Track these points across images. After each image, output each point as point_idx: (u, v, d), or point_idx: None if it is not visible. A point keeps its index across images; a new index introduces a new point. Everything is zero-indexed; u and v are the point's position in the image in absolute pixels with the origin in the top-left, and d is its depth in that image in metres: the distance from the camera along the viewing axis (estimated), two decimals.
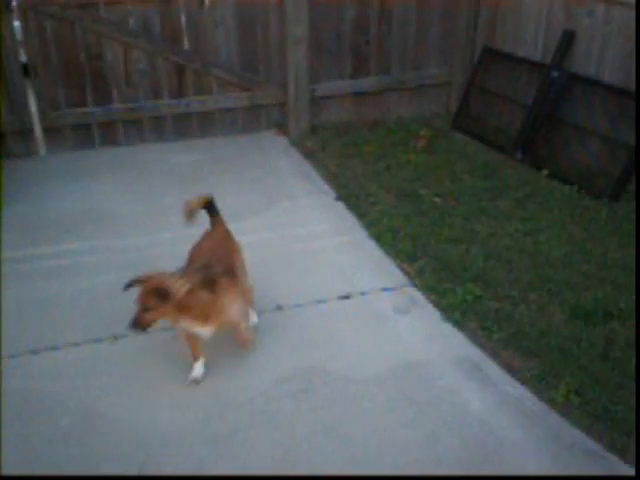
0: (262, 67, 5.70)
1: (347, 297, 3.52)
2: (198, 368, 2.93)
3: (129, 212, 4.49)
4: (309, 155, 5.38)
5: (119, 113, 5.47)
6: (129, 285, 2.63)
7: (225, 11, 5.42)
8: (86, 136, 5.49)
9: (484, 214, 4.35)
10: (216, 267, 2.84)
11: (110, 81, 5.38)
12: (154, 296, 2.57)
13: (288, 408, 2.77)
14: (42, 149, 5.43)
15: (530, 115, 5.16)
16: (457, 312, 3.36)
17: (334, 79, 5.87)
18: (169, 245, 4.02)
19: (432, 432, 2.64)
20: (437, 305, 3.44)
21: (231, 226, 4.28)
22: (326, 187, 4.81)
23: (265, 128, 5.88)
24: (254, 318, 3.26)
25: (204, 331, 2.79)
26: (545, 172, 4.88)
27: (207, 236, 3.20)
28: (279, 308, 3.43)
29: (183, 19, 5.37)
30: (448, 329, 3.27)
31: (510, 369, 2.98)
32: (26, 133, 5.30)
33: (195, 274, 2.75)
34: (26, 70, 5.15)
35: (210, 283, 2.74)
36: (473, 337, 3.19)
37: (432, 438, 2.61)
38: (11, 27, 4.96)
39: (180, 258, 3.88)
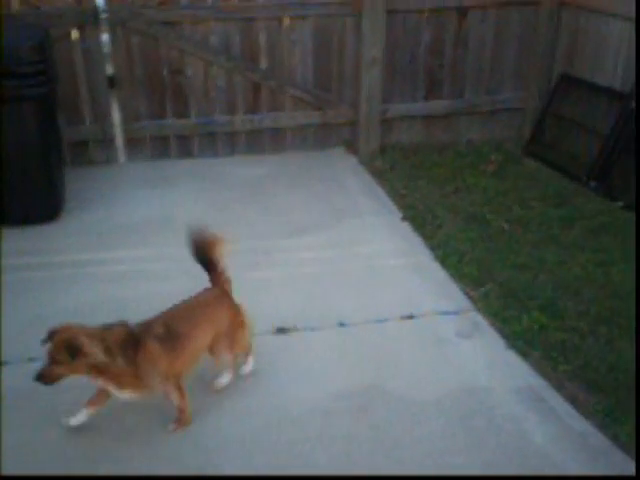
0: (335, 86, 5.79)
1: (409, 318, 3.51)
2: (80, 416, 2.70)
3: (199, 222, 4.58)
4: (377, 175, 5.41)
5: (195, 127, 5.66)
6: (46, 338, 2.47)
7: (303, 31, 5.55)
8: (163, 147, 5.70)
9: (554, 242, 4.26)
10: (157, 328, 2.63)
11: (189, 95, 5.58)
12: (64, 351, 2.41)
13: (345, 424, 2.78)
14: (122, 157, 5.67)
15: (607, 144, 5.04)
16: (521, 340, 3.31)
17: (406, 101, 5.90)
18: (236, 256, 4.11)
19: (489, 460, 2.60)
20: (501, 332, 3.39)
21: (296, 241, 4.36)
22: (393, 207, 4.83)
23: (335, 146, 5.96)
24: (249, 366, 3.08)
25: (122, 395, 2.60)
26: (620, 203, 4.74)
27: (203, 294, 2.93)
28: (341, 325, 3.46)
29: (262, 38, 5.53)
30: (511, 357, 3.22)
31: (574, 402, 2.90)
32: (108, 142, 5.55)
33: (118, 331, 2.56)
34: (111, 82, 5.40)
35: (133, 345, 2.54)
36: (537, 367, 3.13)
37: (489, 466, 2.57)
38: (99, 40, 5.23)
39: (247, 268, 3.99)
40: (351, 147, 5.91)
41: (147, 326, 2.64)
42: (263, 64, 5.61)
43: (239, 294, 3.68)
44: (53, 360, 2.42)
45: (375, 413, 2.84)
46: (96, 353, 2.42)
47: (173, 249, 4.22)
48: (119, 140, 5.61)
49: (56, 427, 2.71)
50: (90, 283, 3.82)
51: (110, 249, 4.22)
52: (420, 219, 4.61)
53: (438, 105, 5.96)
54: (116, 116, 5.55)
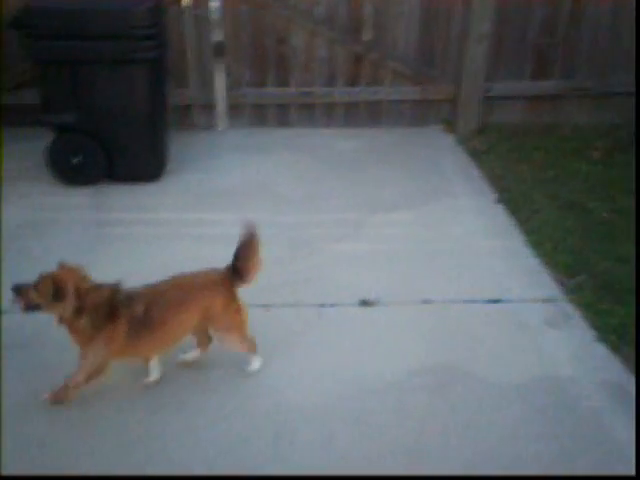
0: (438, 62, 5.68)
1: (496, 301, 3.45)
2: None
3: (292, 190, 4.71)
4: (474, 155, 5.29)
5: (295, 96, 5.73)
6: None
7: (411, 3, 5.46)
8: (262, 115, 5.81)
9: None
10: (137, 306, 2.57)
11: (291, 65, 5.64)
12: (49, 287, 2.47)
13: (422, 400, 2.79)
14: (222, 123, 5.83)
15: None
16: (614, 334, 3.18)
17: (511, 79, 5.70)
18: (325, 227, 4.18)
19: (566, 451, 2.54)
20: (592, 324, 3.27)
21: (385, 217, 4.36)
22: (488, 189, 4.72)
23: (432, 123, 5.86)
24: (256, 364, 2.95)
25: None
26: None
27: (200, 275, 2.80)
28: (425, 302, 3.45)
29: (367, 10, 5.48)
30: (601, 350, 3.10)
31: None
32: (210, 108, 5.72)
33: (103, 294, 2.55)
34: (218, 49, 5.54)
35: (106, 312, 2.54)
36: (627, 363, 3.00)
37: (565, 457, 2.51)
38: (209, 7, 5.36)
39: (334, 240, 4.03)
40: (449, 125, 5.80)
41: (130, 300, 2.59)
42: (366, 36, 5.58)
43: (325, 265, 3.77)
44: (35, 286, 2.49)
45: (453, 392, 2.83)
46: (67, 309, 2.49)
47: (264, 215, 4.32)
48: (221, 106, 5.76)
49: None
50: (184, 242, 3.99)
51: (205, 211, 4.37)
52: (515, 203, 4.48)
53: (545, 85, 5.73)
54: (220, 83, 5.70)
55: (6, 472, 2.39)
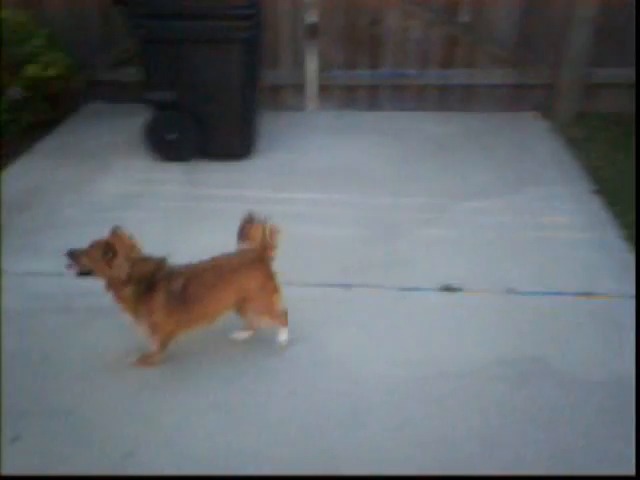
0: (537, 45, 5.46)
1: (586, 295, 3.32)
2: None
3: (379, 173, 4.70)
4: (571, 143, 5.07)
5: (386, 79, 5.68)
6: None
7: None
8: (352, 97, 5.80)
9: None
10: (176, 282, 2.65)
11: (384, 47, 5.59)
12: (101, 248, 2.56)
13: (502, 390, 2.74)
14: (312, 104, 5.87)
15: None
16: None
17: (615, 65, 5.41)
18: (412, 210, 4.15)
19: None
20: None
21: (474, 204, 4.29)
22: (584, 178, 4.52)
23: (528, 109, 5.66)
24: (284, 335, 2.99)
25: (135, 326, 2.73)
26: None
27: (238, 256, 2.84)
28: (510, 292, 3.36)
29: None
30: None
31: None
32: (300, 89, 5.77)
33: (149, 266, 2.65)
34: (311, 30, 5.57)
35: (148, 285, 2.63)
36: None
37: None
38: None
39: (420, 224, 3.99)
40: (546, 112, 5.58)
41: (170, 276, 2.67)
42: (463, 18, 5.44)
43: (409, 249, 3.74)
44: (87, 251, 2.59)
45: (534, 386, 2.76)
46: (120, 270, 2.57)
47: (349, 196, 4.35)
48: (312, 87, 5.80)
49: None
50: (271, 219, 4.05)
51: (293, 190, 4.43)
52: (613, 194, 4.27)
53: None
54: (312, 64, 5.73)
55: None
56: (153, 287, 2.63)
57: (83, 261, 2.60)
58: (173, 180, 4.57)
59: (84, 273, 2.63)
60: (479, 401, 2.68)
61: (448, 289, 3.38)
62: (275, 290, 2.83)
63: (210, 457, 2.43)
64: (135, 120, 5.13)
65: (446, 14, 5.41)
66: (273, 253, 2.82)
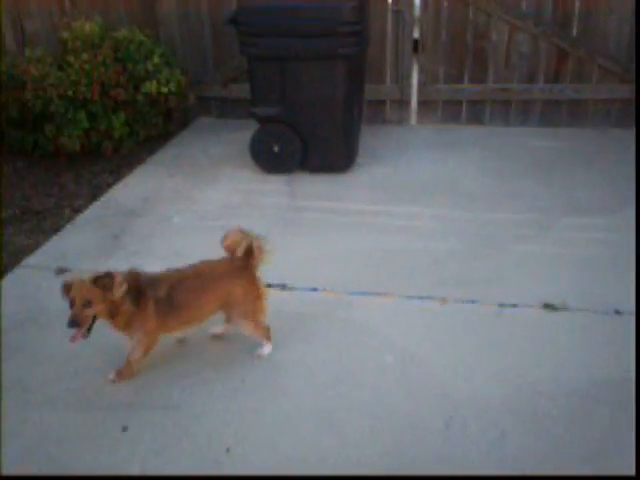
0: None
1: None
2: None
3: (479, 187, 4.64)
4: None
5: (490, 93, 5.61)
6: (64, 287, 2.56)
7: None
8: (454, 112, 5.78)
9: None
10: (160, 289, 2.68)
11: (489, 61, 5.54)
12: (96, 287, 2.52)
13: (604, 413, 2.62)
14: (413, 119, 5.89)
15: None
16: None
17: None
18: (511, 226, 4.07)
19: None
20: None
21: (576, 220, 4.16)
22: None
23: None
24: (268, 349, 3.02)
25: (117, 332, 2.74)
26: None
27: (221, 263, 2.87)
28: (617, 312, 3.22)
29: (576, 3, 5.20)
30: None
31: None
32: (403, 103, 5.81)
33: (133, 277, 2.65)
34: (415, 45, 5.61)
35: (137, 294, 2.63)
36: None
37: None
38: (411, 4, 5.43)
39: (518, 240, 3.91)
40: None
41: (154, 283, 2.71)
42: (574, 31, 5.30)
43: (508, 264, 3.67)
44: (84, 301, 2.52)
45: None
46: (120, 289, 2.57)
47: (448, 211, 4.32)
48: (414, 102, 5.83)
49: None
50: (366, 231, 4.11)
51: (390, 203, 4.46)
52: None
53: None
54: (415, 79, 5.76)
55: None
56: (142, 296, 2.67)
57: (86, 312, 2.54)
58: (275, 191, 4.72)
59: (89, 329, 2.60)
60: (580, 423, 2.58)
61: (549, 307, 3.28)
62: (260, 297, 2.88)
63: (308, 459, 2.48)
64: (242, 134, 5.36)
65: (555, 28, 5.29)
66: (257, 262, 2.86)
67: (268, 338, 3.01)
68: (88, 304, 2.53)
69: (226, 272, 2.84)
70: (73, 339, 2.57)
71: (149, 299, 2.69)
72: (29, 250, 4.00)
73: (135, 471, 2.44)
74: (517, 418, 2.62)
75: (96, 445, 2.55)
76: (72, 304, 2.52)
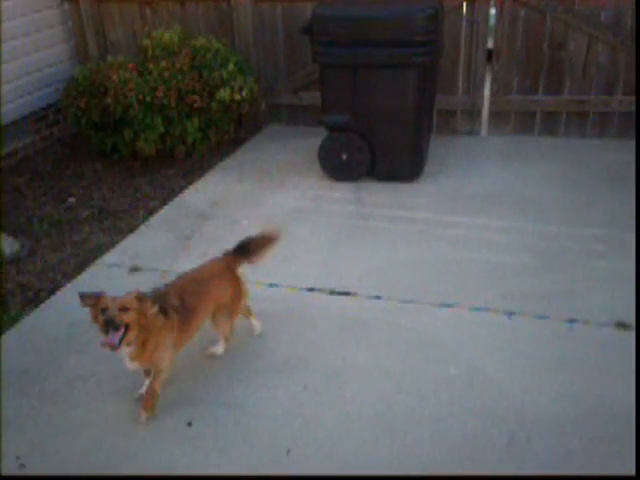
0: None
1: None
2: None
3: (551, 200, 4.52)
4: None
5: (566, 104, 5.47)
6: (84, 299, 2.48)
7: None
8: (527, 123, 5.66)
9: None
10: (172, 299, 2.66)
11: (565, 72, 5.40)
12: (134, 299, 2.46)
13: None
14: (484, 130, 5.80)
15: None
16: None
17: None
18: (582, 241, 3.96)
19: None
20: None
21: None
22: None
23: None
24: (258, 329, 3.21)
25: (131, 364, 2.60)
26: None
27: (208, 266, 2.97)
28: None
29: None
30: None
31: None
32: (473, 113, 5.73)
33: (153, 293, 2.63)
34: (489, 55, 5.53)
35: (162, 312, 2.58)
36: None
37: None
38: (487, 14, 5.36)
39: (589, 254, 3.79)
40: None
41: (164, 296, 2.67)
42: None
43: (578, 279, 3.56)
44: (121, 306, 2.43)
45: None
46: (154, 303, 2.52)
47: (518, 223, 4.24)
48: (485, 112, 5.74)
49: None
50: (432, 241, 4.07)
51: (457, 214, 4.41)
52: None
53: None
54: (487, 89, 5.68)
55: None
56: (164, 310, 2.62)
57: (122, 316, 2.42)
58: (341, 199, 4.74)
59: (120, 340, 2.45)
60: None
61: (622, 326, 3.17)
62: (242, 296, 2.99)
63: (366, 466, 2.48)
64: (310, 141, 5.42)
65: (634, 38, 5.11)
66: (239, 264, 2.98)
67: (229, 338, 3.08)
68: (124, 309, 2.43)
69: (218, 273, 2.92)
70: (107, 343, 2.42)
71: (170, 310, 2.65)
72: (105, 249, 4.17)
73: (198, 469, 2.50)
74: (586, 439, 2.54)
75: (161, 438, 2.63)
76: (105, 310, 2.41)
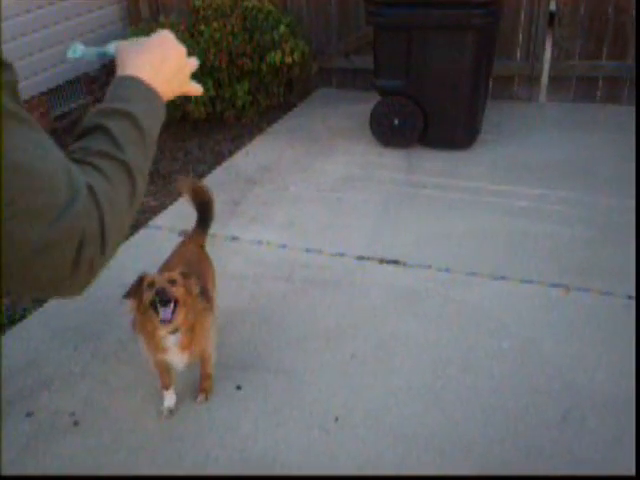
0: None
1: None
2: (169, 398, 2.63)
3: (611, 171, 4.34)
4: None
5: (630, 70, 5.21)
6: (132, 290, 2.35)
7: None
8: (589, 89, 5.42)
9: None
10: (190, 275, 2.44)
11: (629, 36, 5.13)
12: (179, 275, 2.34)
13: None
14: (543, 96, 5.59)
15: None
16: None
17: None
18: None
19: None
20: None
21: None
22: None
23: None
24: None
25: (182, 357, 2.45)
26: None
27: (182, 250, 2.79)
28: None
29: None
30: None
31: None
32: (532, 79, 5.52)
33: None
34: (551, 19, 5.29)
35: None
36: None
37: None
38: None
39: None
40: None
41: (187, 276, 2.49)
42: None
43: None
44: (169, 280, 2.30)
45: None
46: (196, 285, 2.41)
47: (577, 195, 4.09)
48: (544, 78, 5.53)
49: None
50: (485, 211, 3.97)
51: (513, 184, 4.28)
52: None
53: None
54: (547, 54, 5.45)
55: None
56: (206, 291, 2.57)
57: (172, 289, 2.29)
58: (392, 165, 4.65)
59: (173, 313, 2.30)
60: None
61: None
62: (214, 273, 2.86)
63: (414, 437, 2.46)
64: (361, 106, 5.32)
65: None
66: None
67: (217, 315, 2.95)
68: (173, 283, 2.30)
69: (198, 253, 2.82)
70: (165, 318, 2.27)
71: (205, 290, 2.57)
72: (157, 211, 4.20)
73: (246, 430, 2.51)
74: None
75: (210, 399, 2.66)
76: (152, 284, 2.28)
